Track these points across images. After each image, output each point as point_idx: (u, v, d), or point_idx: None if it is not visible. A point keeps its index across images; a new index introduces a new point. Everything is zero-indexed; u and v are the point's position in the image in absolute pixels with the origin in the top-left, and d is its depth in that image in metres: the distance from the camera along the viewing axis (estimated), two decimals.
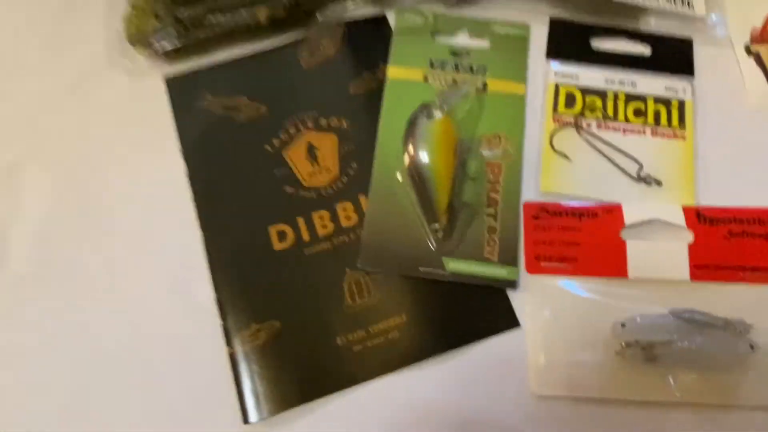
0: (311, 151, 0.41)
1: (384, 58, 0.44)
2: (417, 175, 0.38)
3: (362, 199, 0.40)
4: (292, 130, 0.42)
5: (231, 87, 0.43)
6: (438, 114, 0.39)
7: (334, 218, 0.40)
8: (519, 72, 0.43)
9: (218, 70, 0.44)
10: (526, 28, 0.44)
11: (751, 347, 0.34)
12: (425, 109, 0.39)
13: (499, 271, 0.37)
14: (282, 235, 0.39)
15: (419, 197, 0.38)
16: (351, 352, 0.37)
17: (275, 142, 0.42)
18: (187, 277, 0.39)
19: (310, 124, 0.42)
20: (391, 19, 0.45)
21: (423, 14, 0.45)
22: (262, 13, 0.42)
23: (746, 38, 0.44)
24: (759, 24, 0.44)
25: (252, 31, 0.43)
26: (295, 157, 0.41)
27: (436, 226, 0.38)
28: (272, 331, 0.37)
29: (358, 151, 0.41)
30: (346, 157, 0.41)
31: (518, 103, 0.42)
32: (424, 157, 0.38)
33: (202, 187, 0.41)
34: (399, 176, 0.39)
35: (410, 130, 0.39)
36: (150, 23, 0.42)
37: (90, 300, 0.38)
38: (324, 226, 0.40)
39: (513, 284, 0.37)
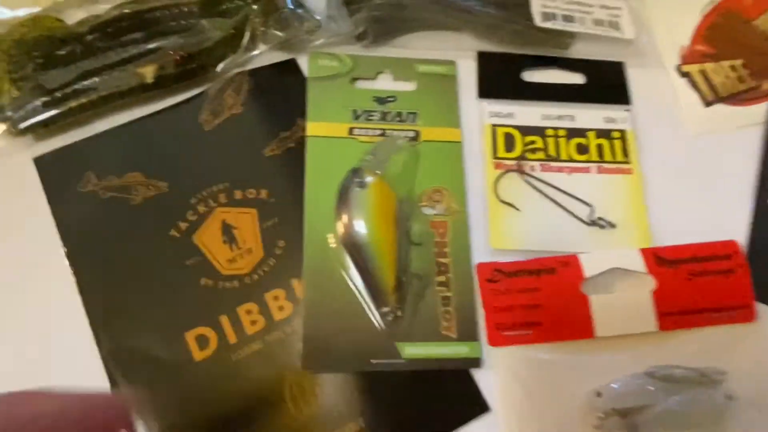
0: (227, 232, 0.35)
1: (300, 110, 0.38)
2: (356, 252, 0.34)
3: (295, 283, 0.35)
4: (201, 209, 0.36)
5: (120, 162, 0.36)
6: (370, 178, 0.35)
7: (265, 311, 0.34)
8: (451, 115, 0.40)
9: (102, 142, 0.37)
10: (452, 65, 0.41)
11: (729, 398, 0.33)
12: (356, 174, 0.35)
13: (460, 350, 0.34)
14: (203, 341, 0.33)
15: (362, 277, 0.34)
16: None
17: (182, 225, 0.35)
18: None
19: (222, 199, 0.36)
20: (303, 64, 0.40)
21: (338, 58, 0.40)
22: (148, 71, 0.36)
23: (676, 59, 0.43)
24: (686, 43, 0.44)
25: (137, 94, 0.36)
26: (209, 241, 0.35)
27: (386, 309, 0.33)
28: None
29: (284, 225, 0.36)
30: (271, 234, 0.36)
31: (455, 150, 0.39)
32: (361, 232, 0.34)
33: (95, 293, 0.33)
34: (332, 243, 0.35)
35: (342, 202, 0.35)
36: (4, 92, 0.34)
37: None
38: (253, 322, 0.34)
39: (477, 362, 0.34)
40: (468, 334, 0.34)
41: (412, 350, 0.33)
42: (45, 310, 0.34)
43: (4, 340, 0.33)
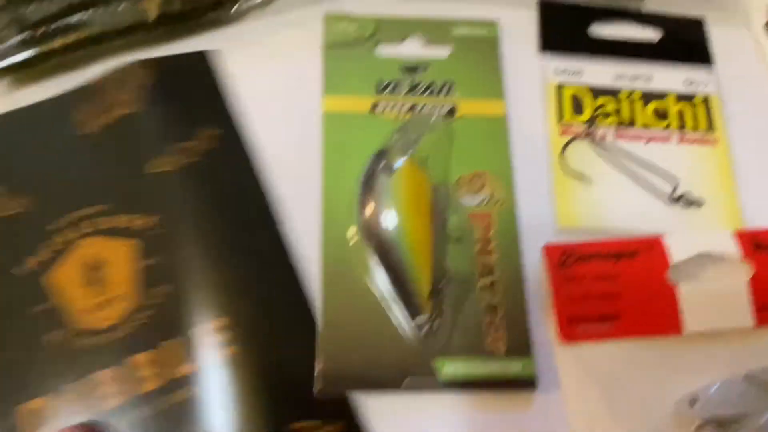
0: (92, 271, 0.29)
1: (208, 116, 0.33)
2: (384, 250, 0.30)
3: (174, 347, 0.28)
4: (59, 239, 0.29)
5: None
6: (399, 162, 0.32)
7: (127, 380, 0.27)
8: (494, 86, 0.37)
9: None
10: (493, 26, 0.38)
11: None
12: (382, 158, 0.32)
13: (510, 367, 0.30)
14: (39, 418, 0.27)
15: (391, 280, 0.30)
16: None
17: (30, 260, 0.29)
18: None
19: (90, 227, 0.30)
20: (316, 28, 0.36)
21: (358, 20, 0.37)
22: (152, 6, 0.33)
23: (765, 16, 0.40)
24: None
25: (135, 34, 0.34)
26: (66, 282, 0.29)
27: (420, 319, 0.30)
28: None
29: (170, 265, 0.29)
30: (152, 277, 0.29)
31: (499, 126, 0.35)
32: (390, 226, 0.30)
33: None
34: (354, 239, 0.32)
35: (366, 191, 0.32)
36: None
37: None
38: (111, 395, 0.27)
39: (531, 382, 0.30)
40: (519, 348, 0.31)
41: (452, 368, 0.30)
42: None
43: None
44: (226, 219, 0.30)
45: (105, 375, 0.27)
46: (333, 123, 0.34)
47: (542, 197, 0.34)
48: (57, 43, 0.33)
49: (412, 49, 0.36)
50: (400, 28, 0.37)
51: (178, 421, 0.26)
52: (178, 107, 0.33)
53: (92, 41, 0.34)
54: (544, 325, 0.31)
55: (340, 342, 0.29)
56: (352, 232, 0.31)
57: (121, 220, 0.30)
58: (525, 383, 0.29)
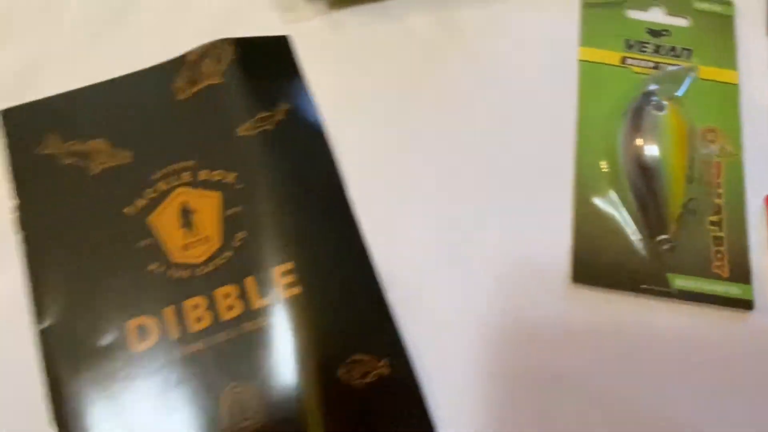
0: (185, 216, 0.34)
1: (287, 92, 0.38)
2: (644, 176, 0.36)
3: (251, 283, 0.33)
4: (161, 187, 0.35)
5: (88, 125, 0.36)
6: (666, 103, 0.37)
7: (212, 308, 0.33)
8: (728, 56, 0.41)
9: (72, 102, 0.37)
10: (730, 5, 0.43)
11: None
12: (651, 98, 0.38)
13: (731, 290, 0.35)
14: (143, 332, 0.32)
15: (641, 202, 0.36)
16: None
17: (138, 203, 0.35)
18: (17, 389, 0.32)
19: (185, 179, 0.35)
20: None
21: None
22: None
23: None
24: None
25: None
26: (164, 224, 0.34)
27: (663, 237, 0.35)
28: None
29: (248, 215, 0.34)
30: (232, 224, 0.34)
31: (731, 92, 0.40)
32: (655, 155, 0.36)
33: (40, 265, 0.34)
34: (604, 167, 0.38)
35: (635, 124, 0.37)
36: None
37: None
38: (199, 319, 0.33)
39: (749, 304, 0.35)
40: (740, 275, 0.35)
41: (683, 282, 0.35)
42: None
43: None
44: (294, 179, 0.35)
45: (195, 302, 0.33)
46: (587, 70, 0.40)
47: (766, 155, 0.39)
48: None
49: (656, 16, 0.42)
50: None
51: (253, 346, 0.32)
52: (259, 82, 0.38)
53: None
54: (762, 258, 0.36)
55: (588, 248, 0.35)
56: (604, 164, 0.37)
57: (209, 175, 0.35)
58: (743, 304, 0.35)
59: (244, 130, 0.36)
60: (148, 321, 0.32)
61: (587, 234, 0.36)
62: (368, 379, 0.32)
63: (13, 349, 0.33)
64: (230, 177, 0.35)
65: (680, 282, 0.35)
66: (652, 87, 0.38)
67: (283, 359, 0.32)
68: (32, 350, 0.33)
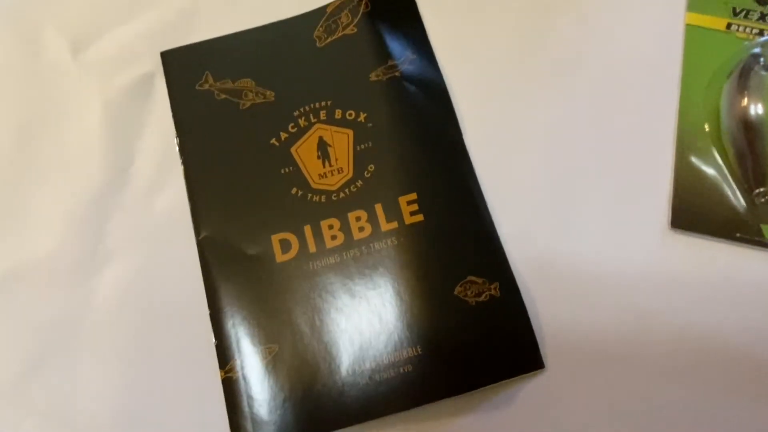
0: (323, 148, 0.39)
1: (412, 44, 0.41)
2: (747, 132, 0.38)
3: (379, 209, 0.37)
4: (302, 122, 0.39)
5: (236, 66, 0.41)
6: None
7: (345, 228, 0.37)
8: None
9: (222, 45, 0.42)
10: None
11: None
12: (758, 59, 0.39)
13: None
14: (285, 245, 0.37)
15: (741, 158, 0.38)
16: (357, 387, 0.34)
17: (283, 135, 0.39)
18: (180, 285, 0.37)
19: (323, 116, 0.39)
20: None
21: None
22: None
23: None
24: None
25: None
26: (304, 154, 0.39)
27: (762, 190, 0.37)
28: (271, 356, 0.35)
29: (377, 150, 0.38)
30: (362, 158, 0.38)
31: None
32: (759, 113, 0.38)
33: (198, 185, 0.38)
34: (707, 127, 0.39)
35: (741, 83, 0.39)
36: None
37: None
38: (333, 237, 0.37)
39: None
40: None
41: None
42: (153, 190, 0.39)
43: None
44: (417, 120, 0.39)
45: (330, 222, 0.37)
46: (694, 34, 0.42)
47: None
48: None
49: None
50: None
51: (380, 263, 0.36)
52: (388, 34, 0.41)
53: None
54: None
55: (686, 198, 0.38)
56: (706, 124, 0.39)
57: (343, 114, 0.39)
58: None
59: (375, 75, 0.40)
60: (290, 236, 0.37)
61: (686, 185, 0.38)
62: (481, 299, 0.35)
63: (178, 255, 0.37)
64: (362, 116, 0.39)
65: None
66: (759, 50, 0.40)
67: (407, 274, 0.35)
68: (194, 256, 0.37)
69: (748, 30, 0.42)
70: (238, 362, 0.35)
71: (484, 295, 0.35)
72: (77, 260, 0.38)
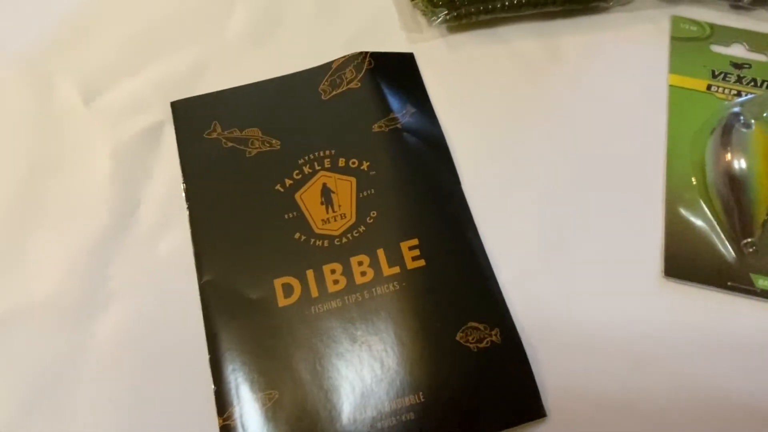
0: (326, 195, 0.39)
1: (412, 98, 0.43)
2: (731, 186, 0.39)
3: (381, 254, 0.37)
4: (306, 170, 0.40)
5: (244, 116, 0.42)
6: (753, 122, 0.41)
7: (348, 273, 0.37)
8: None
9: (231, 96, 0.43)
10: None
11: None
12: (738, 117, 0.41)
13: None
14: (288, 290, 0.37)
15: (728, 209, 0.39)
16: None
17: (287, 182, 0.40)
18: (180, 330, 0.36)
19: (326, 164, 0.40)
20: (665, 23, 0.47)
21: (699, 24, 0.47)
22: None
23: None
24: None
25: (543, 6, 0.45)
26: (308, 200, 0.39)
27: (749, 240, 0.38)
28: (270, 402, 0.34)
29: (379, 197, 0.39)
30: (365, 204, 0.39)
31: None
32: (743, 167, 0.39)
33: (203, 228, 0.38)
34: (694, 181, 0.41)
35: (724, 140, 0.40)
36: None
37: None
38: (336, 282, 0.37)
39: None
40: None
41: (766, 282, 0.38)
42: (157, 234, 0.39)
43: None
44: (418, 169, 0.40)
45: (332, 267, 0.37)
46: (677, 94, 0.44)
47: None
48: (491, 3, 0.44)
49: (738, 51, 0.46)
50: (729, 35, 0.47)
51: (382, 308, 0.36)
52: (390, 89, 0.43)
53: (515, 7, 0.45)
54: None
55: (678, 248, 0.38)
56: (693, 178, 0.40)
57: (346, 162, 0.40)
58: None
59: (377, 126, 0.41)
60: (292, 281, 0.37)
61: (677, 235, 0.39)
62: (483, 345, 0.34)
63: (180, 300, 0.37)
64: (365, 165, 0.40)
65: (763, 282, 0.38)
66: (738, 109, 0.42)
67: (409, 319, 0.35)
68: (196, 301, 0.37)
69: (726, 91, 0.44)
70: (237, 409, 0.34)
71: (485, 341, 0.35)
72: (77, 303, 0.37)
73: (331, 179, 0.40)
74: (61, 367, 0.36)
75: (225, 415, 0.33)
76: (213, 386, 0.34)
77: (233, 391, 0.34)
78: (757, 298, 0.37)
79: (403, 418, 0.33)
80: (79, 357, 0.36)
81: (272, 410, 0.33)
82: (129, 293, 0.37)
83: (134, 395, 0.35)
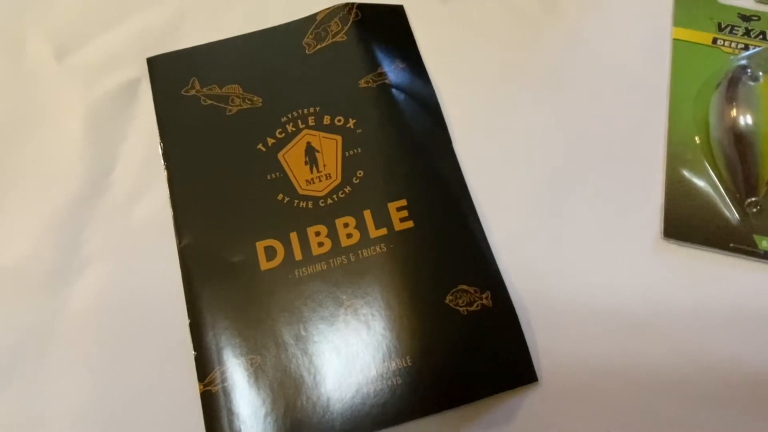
0: (310, 154, 0.37)
1: (401, 53, 0.40)
2: (737, 142, 0.37)
3: (368, 215, 0.36)
4: (290, 128, 0.38)
5: (224, 73, 0.40)
6: (761, 74, 0.39)
7: (333, 235, 0.35)
8: None
9: (210, 51, 0.40)
10: None
11: None
12: (746, 70, 0.39)
13: None
14: (270, 252, 0.35)
15: (732, 168, 0.37)
16: (343, 400, 0.32)
17: (270, 141, 0.38)
18: (159, 294, 0.35)
19: (311, 122, 0.38)
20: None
21: None
22: None
23: None
24: None
25: None
26: (292, 160, 0.37)
27: (753, 199, 0.36)
28: (253, 367, 0.33)
29: (366, 156, 0.37)
30: (351, 163, 0.37)
31: None
32: (749, 122, 0.37)
33: (182, 191, 0.37)
34: (697, 140, 0.39)
35: (730, 93, 0.38)
36: None
37: None
38: (320, 244, 0.35)
39: None
40: None
41: None
42: (134, 197, 0.37)
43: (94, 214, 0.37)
44: (407, 127, 0.38)
45: (317, 229, 0.35)
46: (681, 48, 0.42)
47: None
48: None
49: (746, 3, 0.44)
50: None
51: (369, 271, 0.34)
52: (377, 43, 0.41)
53: None
54: None
55: (678, 208, 0.37)
56: (696, 135, 0.38)
57: (331, 120, 0.38)
58: None
59: (364, 82, 0.39)
60: (275, 243, 0.35)
61: (678, 196, 0.37)
62: (473, 308, 0.33)
63: (158, 264, 0.35)
64: (351, 122, 0.38)
65: (767, 243, 0.36)
66: (745, 62, 0.40)
67: (396, 282, 0.33)
68: (175, 265, 0.35)
69: (733, 45, 0.42)
70: (218, 374, 0.32)
71: (475, 304, 0.33)
72: (51, 268, 0.36)
73: (316, 138, 0.38)
74: (35, 333, 0.34)
75: (206, 381, 0.32)
76: (193, 351, 0.33)
77: (214, 357, 0.33)
78: (760, 259, 0.36)
79: (390, 382, 0.32)
80: (54, 323, 0.34)
81: (255, 375, 0.32)
82: (105, 258, 0.36)
83: (111, 362, 0.34)
